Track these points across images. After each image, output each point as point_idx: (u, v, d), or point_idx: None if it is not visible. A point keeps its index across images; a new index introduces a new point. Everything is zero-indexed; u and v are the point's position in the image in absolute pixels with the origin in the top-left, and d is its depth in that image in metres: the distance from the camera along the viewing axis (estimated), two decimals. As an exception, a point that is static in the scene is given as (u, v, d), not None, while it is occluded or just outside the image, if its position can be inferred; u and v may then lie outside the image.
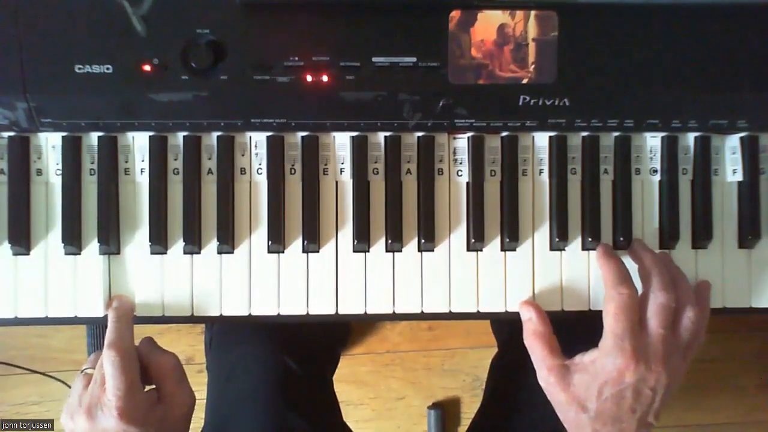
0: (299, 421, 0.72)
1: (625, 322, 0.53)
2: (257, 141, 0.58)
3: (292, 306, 0.58)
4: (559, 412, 0.56)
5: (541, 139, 0.60)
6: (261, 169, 0.59)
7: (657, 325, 0.53)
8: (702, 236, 0.60)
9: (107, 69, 0.52)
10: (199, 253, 0.58)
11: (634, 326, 0.53)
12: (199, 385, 1.31)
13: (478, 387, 1.37)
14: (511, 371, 0.81)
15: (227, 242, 0.58)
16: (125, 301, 0.58)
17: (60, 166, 0.58)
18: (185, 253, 0.58)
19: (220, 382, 0.78)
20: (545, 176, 0.60)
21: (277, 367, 0.75)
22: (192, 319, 0.59)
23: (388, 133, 0.59)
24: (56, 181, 0.58)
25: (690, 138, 0.60)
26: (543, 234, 0.60)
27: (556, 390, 0.55)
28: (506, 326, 0.90)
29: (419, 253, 0.59)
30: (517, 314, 0.59)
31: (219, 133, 0.58)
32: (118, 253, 0.58)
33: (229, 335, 0.79)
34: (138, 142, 0.58)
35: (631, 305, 0.53)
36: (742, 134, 0.60)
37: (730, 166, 0.61)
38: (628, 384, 0.52)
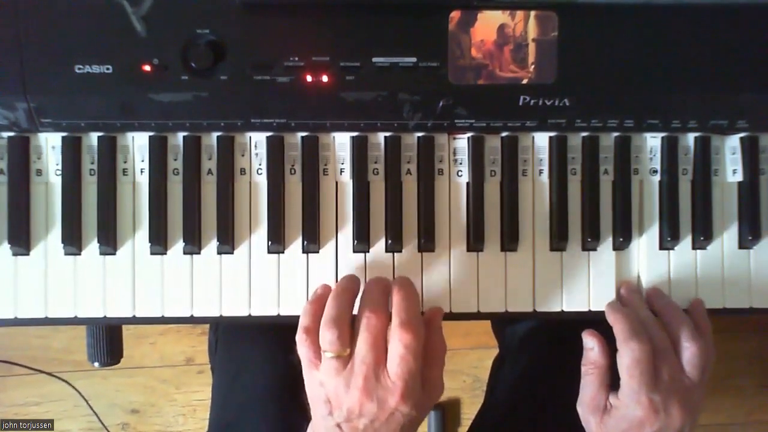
0: (308, 422, 0.72)
1: (638, 376, 0.53)
2: (257, 141, 0.58)
3: (292, 306, 0.58)
4: None
5: (541, 140, 0.60)
6: (261, 169, 0.58)
7: (666, 373, 0.54)
8: (702, 237, 0.60)
9: (107, 69, 0.52)
10: (199, 253, 0.58)
11: (649, 379, 0.53)
12: (200, 386, 1.33)
13: (478, 388, 1.37)
14: (512, 372, 0.81)
15: (227, 242, 0.58)
16: (408, 281, 0.55)
17: (60, 167, 0.58)
18: (185, 253, 0.58)
19: (227, 383, 0.77)
20: (545, 176, 0.60)
21: (284, 367, 0.74)
22: (192, 320, 0.59)
23: (388, 134, 0.59)
24: (56, 182, 0.58)
25: (690, 138, 0.60)
26: (543, 234, 0.60)
27: (591, 427, 0.57)
28: (507, 327, 0.90)
29: (419, 254, 0.59)
30: (516, 313, 0.59)
31: (219, 134, 0.58)
32: (117, 253, 0.58)
33: (235, 336, 0.79)
34: (138, 143, 0.58)
35: (641, 359, 0.53)
36: (742, 135, 0.60)
37: (730, 167, 0.61)
38: None
